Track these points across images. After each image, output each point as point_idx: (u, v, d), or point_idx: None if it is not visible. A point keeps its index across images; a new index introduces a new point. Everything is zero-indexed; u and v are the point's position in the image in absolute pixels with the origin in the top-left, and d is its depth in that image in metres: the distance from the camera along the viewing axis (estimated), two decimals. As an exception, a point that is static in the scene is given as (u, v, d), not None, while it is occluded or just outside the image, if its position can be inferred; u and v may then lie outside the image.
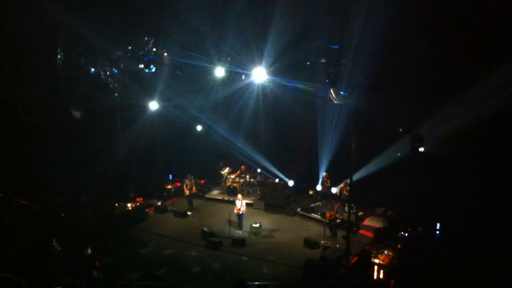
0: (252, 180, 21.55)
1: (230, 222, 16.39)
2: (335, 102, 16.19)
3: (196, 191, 20.00)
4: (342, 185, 18.22)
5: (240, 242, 15.43)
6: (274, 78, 17.08)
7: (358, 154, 13.87)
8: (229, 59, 16.89)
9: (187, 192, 19.24)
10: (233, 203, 17.93)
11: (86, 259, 12.68)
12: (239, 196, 17.07)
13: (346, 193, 17.43)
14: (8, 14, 14.53)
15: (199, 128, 22.83)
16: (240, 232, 16.44)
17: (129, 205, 18.07)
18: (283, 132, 22.13)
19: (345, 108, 17.35)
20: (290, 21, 14.48)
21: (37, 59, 16.94)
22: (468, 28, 12.80)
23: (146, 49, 16.39)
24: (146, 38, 16.23)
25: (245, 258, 14.49)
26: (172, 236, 16.23)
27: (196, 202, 19.82)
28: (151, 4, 15.44)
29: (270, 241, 16.00)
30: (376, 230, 15.89)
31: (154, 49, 16.57)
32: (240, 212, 16.49)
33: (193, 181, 19.57)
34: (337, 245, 14.87)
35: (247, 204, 17.26)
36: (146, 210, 18.74)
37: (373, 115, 15.91)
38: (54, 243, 12.65)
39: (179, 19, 15.11)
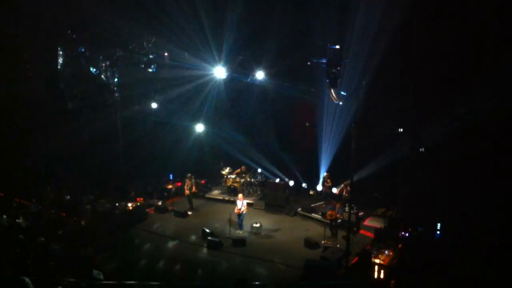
0: (252, 180, 21.54)
1: (230, 222, 16.38)
2: (336, 102, 16.18)
3: (196, 191, 19.96)
4: (342, 185, 18.19)
5: (240, 242, 15.42)
6: (274, 78, 17.10)
7: (359, 154, 13.85)
8: (228, 60, 16.94)
9: (187, 192, 19.24)
10: (233, 203, 17.93)
11: (86, 258, 12.68)
12: (240, 196, 17.03)
13: (347, 194, 17.41)
14: (9, 13, 14.57)
15: (199, 127, 22.82)
16: (241, 232, 16.43)
17: (129, 204, 18.05)
18: (284, 132, 22.14)
19: (345, 108, 17.34)
20: (290, 21, 14.49)
21: (37, 59, 16.98)
22: (468, 27, 12.79)
23: (146, 49, 16.44)
24: (147, 38, 16.26)
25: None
26: (172, 236, 16.23)
27: (196, 202, 19.80)
28: (151, 4, 15.48)
29: (271, 241, 15.99)
30: (376, 230, 15.88)
31: (155, 49, 16.63)
32: (241, 212, 16.47)
33: (193, 180, 19.53)
34: (338, 245, 14.86)
35: (247, 204, 17.23)
36: (147, 209, 18.71)
37: (373, 115, 15.90)
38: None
39: (178, 20, 15.16)
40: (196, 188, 19.92)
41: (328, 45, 13.99)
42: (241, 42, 16.56)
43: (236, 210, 16.51)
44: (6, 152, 16.96)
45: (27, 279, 4.86)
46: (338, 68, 14.11)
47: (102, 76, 17.70)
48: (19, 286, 4.82)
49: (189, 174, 19.49)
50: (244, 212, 16.53)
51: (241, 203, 16.48)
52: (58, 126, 18.33)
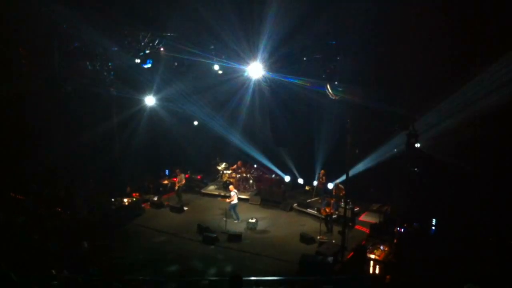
0: (248, 175, 21.55)
1: (226, 217, 16.42)
2: (332, 97, 16.17)
3: (183, 182, 19.91)
4: (336, 188, 17.90)
5: (236, 237, 15.45)
6: (270, 73, 17.04)
7: (354, 149, 13.87)
8: (224, 54, 16.85)
9: (176, 186, 19.40)
10: (229, 198, 17.98)
11: (82, 254, 12.67)
12: (231, 187, 17.70)
13: (341, 194, 17.23)
14: (5, 9, 14.42)
15: (195, 123, 22.76)
16: (238, 222, 16.82)
17: (125, 200, 18.03)
18: (280, 128, 22.07)
19: (341, 103, 17.29)
20: (287, 15, 14.40)
21: (34, 54, 16.84)
22: (466, 23, 12.80)
23: (142, 43, 16.31)
24: (142, 33, 16.13)
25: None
26: (168, 231, 16.23)
27: (192, 197, 19.84)
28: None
29: (266, 236, 16.03)
30: (372, 226, 15.92)
31: (151, 44, 16.49)
32: (233, 202, 16.87)
33: (182, 175, 19.68)
34: (333, 241, 14.91)
35: (243, 199, 17.42)
36: (143, 205, 18.72)
37: (369, 110, 15.89)
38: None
39: (174, 12, 15.04)
40: (184, 181, 19.96)
41: (325, 40, 13.98)
42: (236, 36, 16.39)
43: (228, 200, 17.03)
44: (2, 148, 16.85)
45: (11, 273, 4.90)
46: (335, 63, 14.11)
47: (98, 71, 17.53)
48: (3, 279, 4.88)
49: (177, 169, 19.70)
50: (233, 202, 16.87)
51: (233, 193, 17.01)
52: (54, 122, 18.22)
